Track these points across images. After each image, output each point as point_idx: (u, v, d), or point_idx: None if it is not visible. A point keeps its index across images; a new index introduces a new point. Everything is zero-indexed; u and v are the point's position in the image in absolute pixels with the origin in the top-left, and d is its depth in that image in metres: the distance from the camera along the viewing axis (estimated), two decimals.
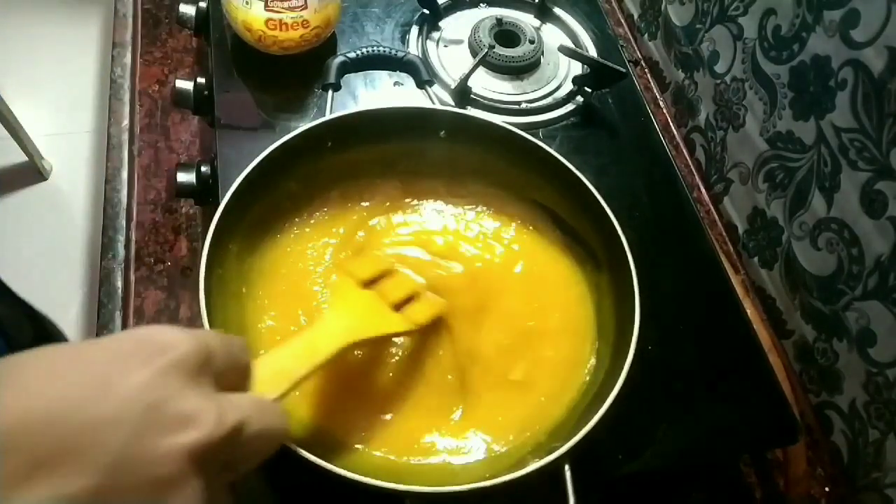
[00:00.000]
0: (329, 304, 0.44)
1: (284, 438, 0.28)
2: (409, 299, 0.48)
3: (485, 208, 0.56)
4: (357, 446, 0.44)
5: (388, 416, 0.45)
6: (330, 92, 0.57)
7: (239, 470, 0.26)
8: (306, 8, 0.60)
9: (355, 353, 0.46)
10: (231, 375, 0.27)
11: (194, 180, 0.59)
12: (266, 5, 0.59)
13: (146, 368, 0.22)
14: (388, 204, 0.55)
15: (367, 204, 0.54)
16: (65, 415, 0.20)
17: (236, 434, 0.24)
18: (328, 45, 0.67)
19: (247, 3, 0.59)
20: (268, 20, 0.60)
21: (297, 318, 0.48)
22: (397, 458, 0.43)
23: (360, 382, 0.46)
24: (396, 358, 0.47)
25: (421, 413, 0.46)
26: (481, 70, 0.69)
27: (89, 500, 0.20)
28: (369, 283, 0.47)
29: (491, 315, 0.50)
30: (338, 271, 0.48)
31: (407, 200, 0.55)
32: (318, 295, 0.49)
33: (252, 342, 0.46)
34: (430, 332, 0.48)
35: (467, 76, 0.65)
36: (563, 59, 0.73)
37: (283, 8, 0.60)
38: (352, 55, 0.59)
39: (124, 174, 0.67)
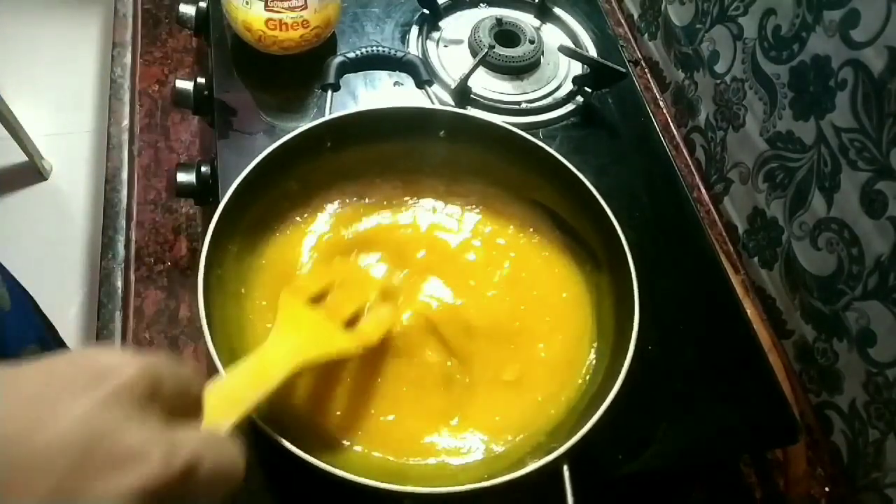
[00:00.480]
0: (274, 327, 0.41)
1: (239, 478, 0.25)
2: (356, 316, 0.46)
3: (484, 208, 0.55)
4: (356, 448, 0.43)
5: (389, 418, 0.45)
6: (330, 92, 0.57)
7: None
8: (306, 8, 0.60)
9: (344, 360, 0.45)
10: (180, 404, 0.24)
11: (194, 180, 0.59)
12: (266, 5, 0.59)
13: (86, 396, 0.20)
14: (387, 203, 0.55)
15: (367, 204, 0.54)
16: (2, 452, 0.19)
17: (187, 474, 0.21)
18: (328, 45, 0.67)
19: (247, 3, 0.60)
20: (268, 20, 0.60)
21: None
22: (396, 459, 0.43)
23: (358, 383, 0.46)
24: (395, 358, 0.47)
25: (421, 414, 0.46)
26: (481, 70, 0.69)
27: None
28: (320, 298, 0.46)
29: (490, 315, 0.50)
30: (286, 288, 0.46)
31: (406, 200, 0.55)
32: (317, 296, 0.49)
33: (252, 342, 0.46)
34: (430, 333, 0.48)
35: (467, 76, 0.65)
36: (563, 59, 0.73)
37: (283, 8, 0.60)
38: (352, 55, 0.59)
39: (124, 174, 0.67)
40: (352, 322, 0.46)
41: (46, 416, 0.19)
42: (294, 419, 0.43)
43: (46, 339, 0.64)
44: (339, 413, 0.44)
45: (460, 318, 0.50)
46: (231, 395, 0.32)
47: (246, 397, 0.33)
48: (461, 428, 0.46)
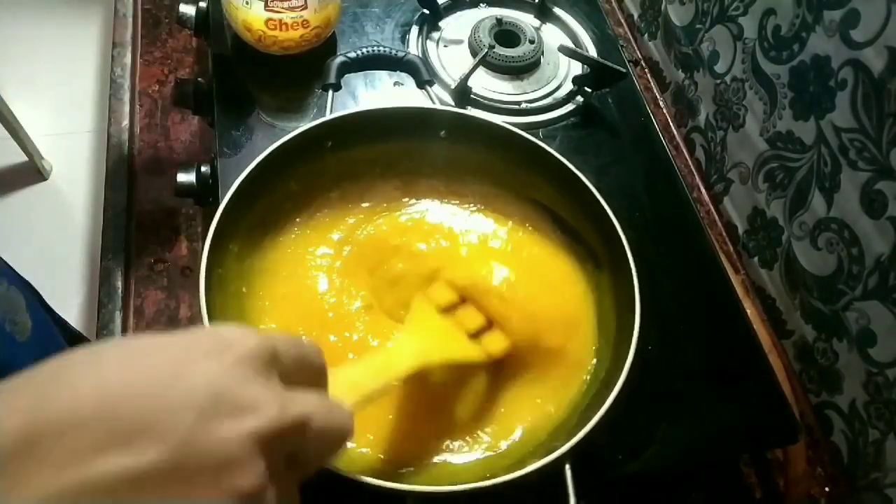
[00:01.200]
0: (407, 327, 0.45)
1: (346, 439, 0.28)
2: (482, 329, 0.48)
3: (485, 208, 0.56)
4: (360, 450, 0.44)
5: (398, 420, 0.45)
6: (330, 92, 0.57)
7: (306, 468, 0.27)
8: (306, 8, 0.60)
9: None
10: (303, 375, 0.28)
11: (194, 180, 0.59)
12: (266, 5, 0.59)
13: (214, 361, 0.24)
14: (387, 204, 0.55)
15: (368, 204, 0.54)
16: (137, 397, 0.22)
17: (298, 426, 0.25)
18: (328, 45, 0.67)
19: (247, 3, 0.59)
20: (268, 20, 0.60)
21: (296, 319, 0.48)
22: (404, 462, 0.43)
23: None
24: None
25: (430, 419, 0.46)
26: (481, 70, 0.69)
27: (157, 475, 0.21)
28: (444, 311, 0.47)
29: (490, 315, 0.50)
30: (418, 296, 0.49)
31: (407, 200, 0.55)
32: (318, 296, 0.49)
33: None
34: None
35: (467, 76, 0.65)
36: (563, 59, 0.73)
37: (283, 8, 0.60)
38: (352, 55, 0.59)
39: (124, 174, 0.67)
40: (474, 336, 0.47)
41: (183, 374, 0.23)
42: None
43: None
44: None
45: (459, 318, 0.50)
46: (353, 381, 0.35)
47: (367, 384, 0.35)
48: (463, 428, 0.46)
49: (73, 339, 0.69)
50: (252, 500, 0.23)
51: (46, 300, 0.79)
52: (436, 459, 0.44)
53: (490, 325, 0.48)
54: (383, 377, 0.37)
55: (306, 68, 0.64)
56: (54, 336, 0.63)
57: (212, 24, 0.66)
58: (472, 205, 0.56)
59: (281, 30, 0.61)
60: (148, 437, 0.21)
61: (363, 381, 0.35)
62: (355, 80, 0.65)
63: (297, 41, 0.62)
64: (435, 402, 0.46)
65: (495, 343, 0.47)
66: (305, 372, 0.28)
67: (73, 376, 0.22)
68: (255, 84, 0.64)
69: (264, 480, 0.23)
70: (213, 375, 0.23)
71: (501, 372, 0.48)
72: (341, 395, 0.32)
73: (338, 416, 0.28)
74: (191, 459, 0.22)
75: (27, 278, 0.73)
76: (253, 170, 0.46)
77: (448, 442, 0.45)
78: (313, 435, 0.26)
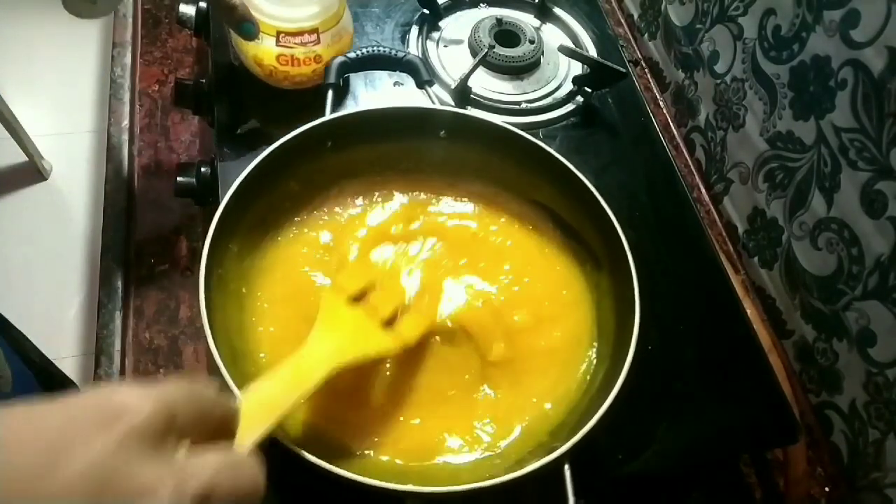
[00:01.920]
0: (316, 326, 0.41)
1: (258, 496, 0.26)
2: (397, 313, 0.46)
3: (484, 208, 0.56)
4: (360, 450, 0.44)
5: (409, 420, 0.45)
6: (330, 92, 0.57)
7: None
8: (318, 43, 0.58)
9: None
10: (206, 428, 0.26)
11: (194, 180, 0.59)
12: (278, 41, 0.57)
13: (102, 437, 0.21)
14: (387, 204, 0.55)
15: (368, 204, 0.54)
16: (12, 492, 0.20)
17: (201, 501, 0.23)
18: None
19: (258, 38, 0.58)
20: (279, 55, 0.58)
21: (296, 319, 0.48)
22: (404, 463, 0.43)
23: (364, 387, 0.46)
24: (398, 364, 0.47)
25: (432, 416, 0.46)
26: (481, 70, 0.69)
27: None
28: (358, 297, 0.46)
29: (490, 315, 0.50)
30: (325, 291, 0.47)
31: (407, 200, 0.55)
32: (317, 296, 0.49)
33: (251, 343, 0.46)
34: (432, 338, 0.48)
35: (467, 76, 0.65)
36: (563, 59, 0.73)
37: (294, 43, 0.58)
38: (352, 55, 0.59)
39: (124, 174, 0.67)
40: (389, 322, 0.46)
41: (64, 457, 0.20)
42: (297, 419, 0.43)
43: None
44: (343, 414, 0.45)
45: (459, 317, 0.50)
46: (268, 400, 0.33)
47: (283, 400, 0.34)
48: (464, 428, 0.46)
49: (41, 373, 0.68)
50: None
51: (47, 300, 0.79)
52: (436, 459, 0.44)
53: (404, 309, 0.47)
54: (298, 389, 0.35)
55: None
56: (32, 384, 0.62)
57: (212, 24, 0.66)
58: (471, 205, 0.56)
59: (293, 65, 0.59)
60: None
61: (278, 399, 0.34)
62: (355, 80, 0.65)
63: (308, 76, 0.60)
64: (435, 402, 0.47)
65: (411, 328, 0.46)
66: (209, 424, 0.26)
67: None
68: (255, 84, 0.64)
69: None
70: (101, 457, 0.21)
71: (500, 370, 0.48)
72: (257, 419, 0.31)
73: (245, 476, 0.26)
74: None
75: (28, 278, 0.73)
76: (253, 170, 0.46)
77: (448, 442, 0.45)
78: (219, 501, 0.24)
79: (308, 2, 0.57)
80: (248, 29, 0.54)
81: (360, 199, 0.54)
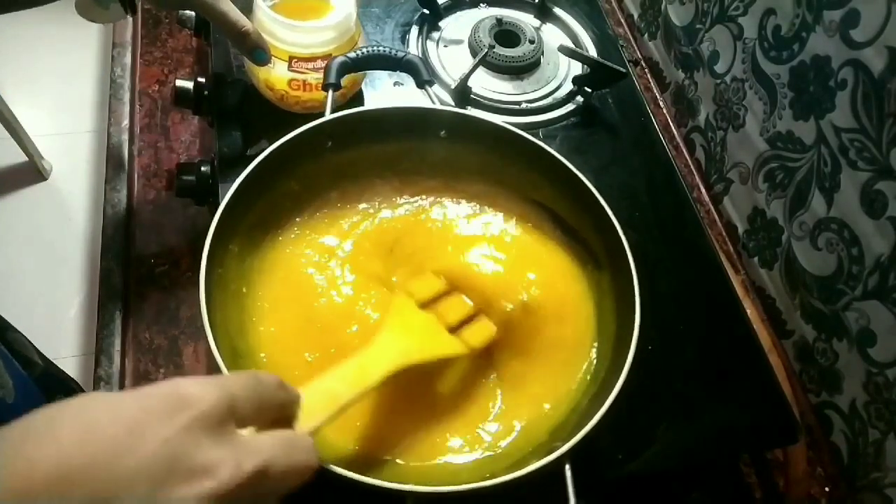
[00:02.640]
0: (386, 325, 0.43)
1: (311, 471, 0.29)
2: (465, 320, 0.48)
3: (485, 208, 0.56)
4: (367, 452, 0.44)
5: (415, 422, 0.45)
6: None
7: (274, 501, 0.28)
8: None
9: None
10: (265, 416, 0.29)
11: (194, 180, 0.59)
12: (290, 66, 0.57)
13: (170, 423, 0.24)
14: (387, 203, 0.55)
15: (367, 204, 0.54)
16: (96, 468, 0.23)
17: (257, 477, 0.26)
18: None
19: (270, 62, 0.57)
20: (291, 80, 0.58)
21: (297, 319, 0.48)
22: (405, 463, 0.43)
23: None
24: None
25: (432, 423, 0.46)
26: (481, 70, 0.69)
27: None
28: (426, 304, 0.47)
29: (490, 315, 0.50)
30: (397, 291, 0.49)
31: (406, 200, 0.55)
32: (317, 294, 0.49)
33: (252, 343, 0.46)
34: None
35: (467, 76, 0.65)
36: (563, 59, 0.73)
37: (307, 69, 0.57)
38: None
39: (124, 174, 0.67)
40: (452, 329, 0.47)
41: (139, 440, 0.24)
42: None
43: None
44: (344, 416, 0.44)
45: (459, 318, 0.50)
46: (328, 392, 0.35)
47: (343, 394, 0.35)
48: (465, 429, 0.46)
49: (42, 377, 0.68)
50: None
51: (47, 300, 0.79)
52: (436, 460, 0.44)
53: (474, 315, 0.48)
54: (360, 384, 0.37)
55: None
56: (34, 392, 0.63)
57: (212, 24, 0.66)
58: (471, 205, 0.56)
59: (304, 90, 0.58)
60: None
61: (340, 391, 0.35)
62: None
63: (321, 101, 0.59)
64: (437, 403, 0.47)
65: (478, 334, 0.47)
66: (267, 412, 0.29)
67: (31, 449, 0.22)
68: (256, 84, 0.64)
69: None
70: (168, 441, 0.24)
71: (500, 370, 0.48)
72: (316, 410, 0.33)
73: (299, 453, 0.29)
74: None
75: (28, 278, 0.73)
76: (253, 169, 0.46)
77: (449, 441, 0.45)
78: (276, 477, 0.27)
79: (322, 27, 0.56)
80: (261, 56, 0.55)
81: (360, 199, 0.54)
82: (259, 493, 0.26)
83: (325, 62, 0.56)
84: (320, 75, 0.57)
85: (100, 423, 0.24)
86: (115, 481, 0.22)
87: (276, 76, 0.58)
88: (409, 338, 0.43)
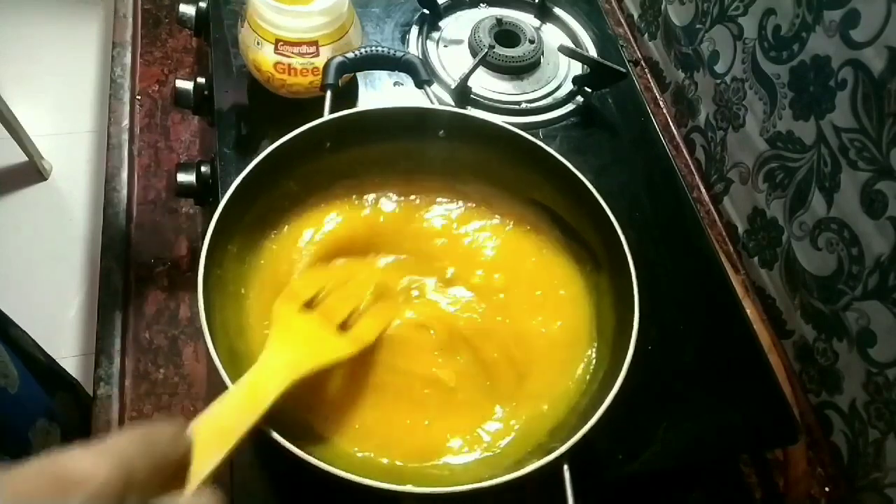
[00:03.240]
0: (270, 338, 0.40)
1: None
2: (353, 315, 0.46)
3: (484, 208, 0.55)
4: (359, 452, 0.44)
5: (414, 423, 0.45)
6: (329, 92, 0.57)
7: None
8: (318, 55, 0.58)
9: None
10: (162, 477, 0.26)
11: (194, 180, 0.59)
12: (276, 48, 0.57)
13: None
14: (386, 203, 0.55)
15: (367, 204, 0.54)
16: None
17: None
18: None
19: (258, 43, 0.58)
20: (276, 63, 0.58)
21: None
22: (403, 464, 0.43)
23: (353, 385, 0.46)
24: (393, 360, 0.47)
25: (438, 420, 0.46)
26: (481, 70, 0.69)
27: None
28: (314, 302, 0.45)
29: (489, 315, 0.50)
30: (279, 296, 0.45)
31: (406, 200, 0.55)
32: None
33: (252, 342, 0.46)
34: (425, 334, 0.48)
35: (467, 76, 0.65)
36: (563, 59, 0.73)
37: (293, 53, 0.57)
38: (351, 55, 0.59)
39: (124, 174, 0.67)
40: (344, 325, 0.45)
41: None
42: (291, 418, 0.43)
43: (52, 410, 0.64)
44: (331, 412, 0.45)
45: (458, 318, 0.50)
46: (222, 426, 0.32)
47: (238, 425, 0.32)
48: (464, 430, 0.46)
49: (43, 373, 0.68)
50: None
51: (47, 300, 0.79)
52: (435, 460, 0.44)
53: (361, 309, 0.46)
54: (253, 411, 0.34)
55: None
56: (35, 385, 0.63)
57: (212, 24, 0.66)
58: (471, 204, 0.56)
59: (290, 74, 0.59)
60: None
61: (232, 424, 0.32)
62: (355, 79, 0.65)
63: (305, 87, 0.60)
64: (436, 403, 0.47)
65: (367, 330, 0.45)
66: (168, 469, 0.26)
67: None
68: (255, 83, 0.64)
69: None
70: None
71: (500, 372, 0.48)
72: (212, 448, 0.30)
73: None
74: None
75: (27, 278, 0.73)
76: (252, 169, 0.46)
77: (448, 442, 0.45)
78: None
79: (310, 13, 0.57)
80: None
81: (360, 199, 0.54)
82: None
83: (312, 48, 0.56)
84: (307, 61, 0.58)
85: None
86: None
87: (263, 57, 0.58)
88: (295, 348, 0.40)
